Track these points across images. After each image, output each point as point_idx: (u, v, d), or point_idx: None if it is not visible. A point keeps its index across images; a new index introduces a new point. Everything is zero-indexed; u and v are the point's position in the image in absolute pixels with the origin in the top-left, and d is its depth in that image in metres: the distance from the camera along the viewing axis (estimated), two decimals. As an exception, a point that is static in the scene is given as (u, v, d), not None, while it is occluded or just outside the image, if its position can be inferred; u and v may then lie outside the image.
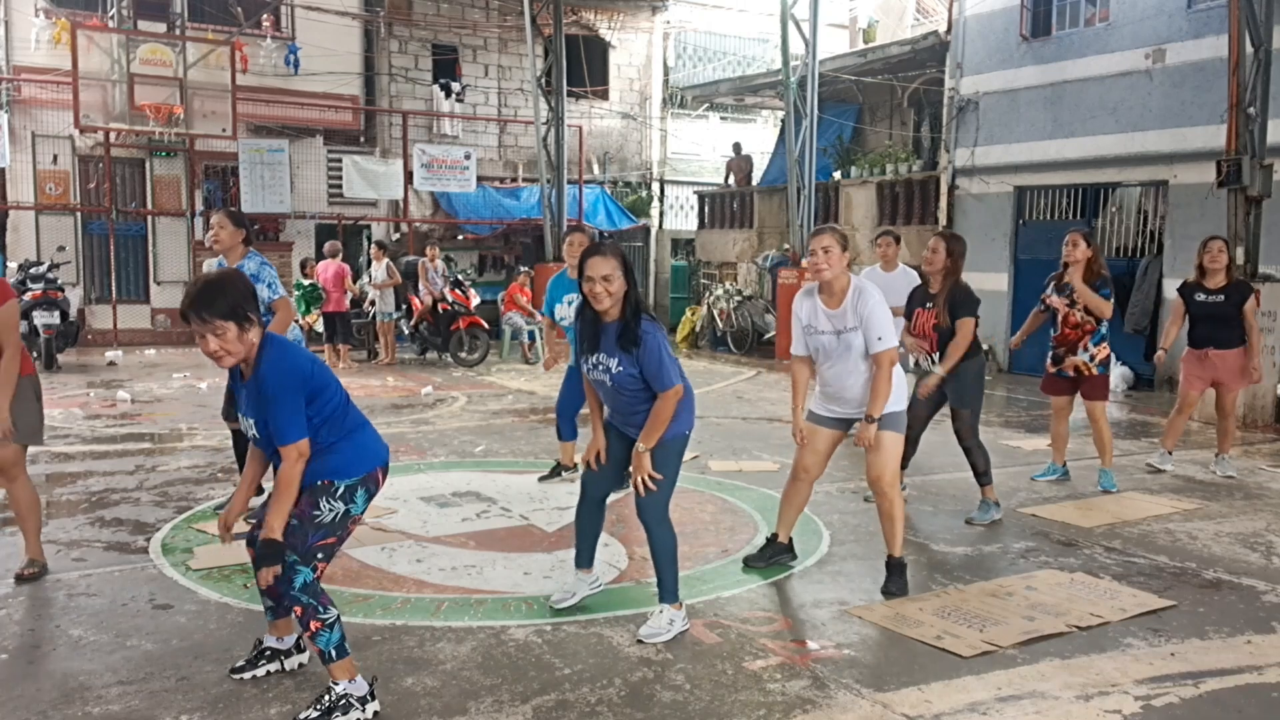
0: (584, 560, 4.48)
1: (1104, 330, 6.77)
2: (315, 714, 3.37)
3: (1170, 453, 7.69)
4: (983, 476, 6.08)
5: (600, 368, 4.09)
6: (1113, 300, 6.66)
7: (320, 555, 3.44)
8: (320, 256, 15.44)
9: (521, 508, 6.31)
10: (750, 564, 5.08)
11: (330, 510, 3.43)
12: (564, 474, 6.91)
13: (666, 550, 4.19)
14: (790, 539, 5.16)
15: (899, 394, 4.77)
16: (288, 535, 3.36)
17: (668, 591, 4.20)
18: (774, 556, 5.10)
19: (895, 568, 4.84)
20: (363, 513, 3.54)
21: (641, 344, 3.97)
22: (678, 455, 4.21)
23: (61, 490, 6.73)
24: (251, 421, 3.43)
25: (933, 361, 6.01)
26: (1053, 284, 6.90)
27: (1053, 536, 5.79)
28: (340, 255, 14.26)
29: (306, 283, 13.98)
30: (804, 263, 4.88)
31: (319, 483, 3.43)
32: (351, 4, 18.14)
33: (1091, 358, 6.79)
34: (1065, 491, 6.89)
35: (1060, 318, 6.81)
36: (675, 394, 4.02)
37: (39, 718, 3.41)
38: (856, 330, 4.66)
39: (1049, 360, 7.00)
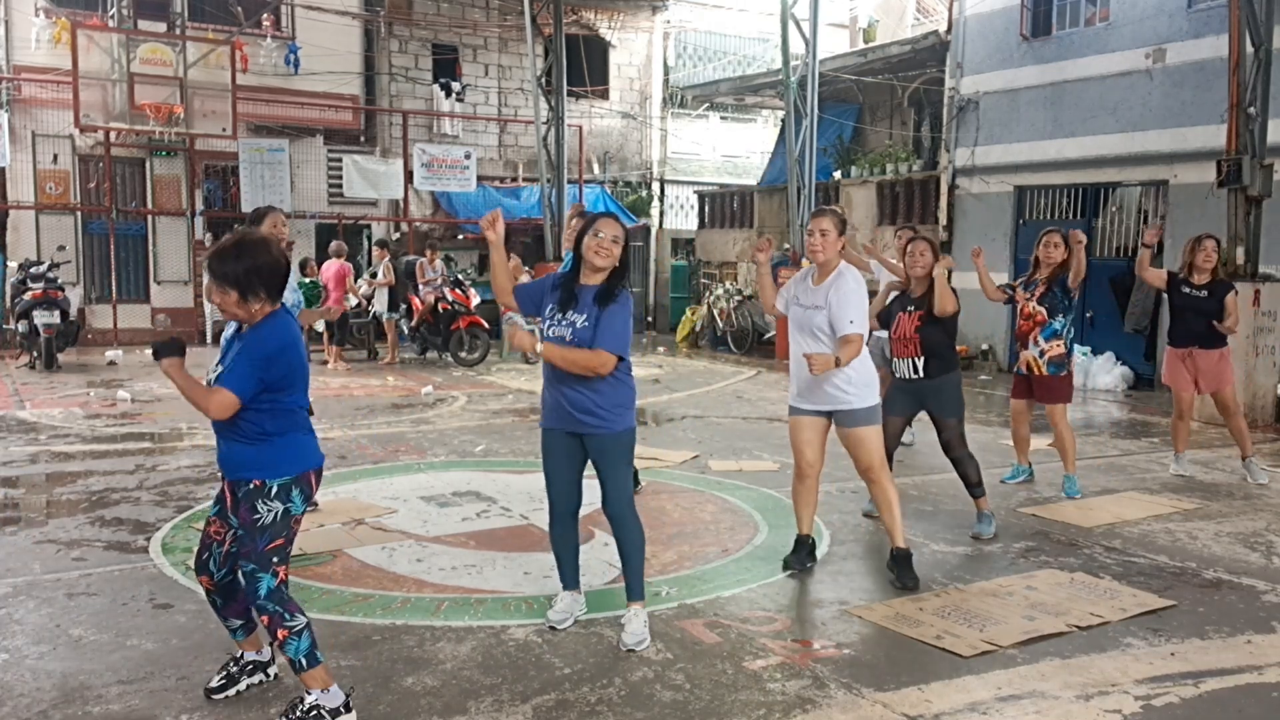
0: (572, 581, 4.38)
1: (1058, 326, 6.54)
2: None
3: (1181, 455, 7.60)
4: (976, 488, 5.77)
5: (564, 323, 4.07)
6: (1071, 309, 6.67)
7: (275, 559, 3.38)
8: (322, 256, 15.46)
9: (521, 507, 6.31)
10: (790, 565, 5.06)
11: (269, 511, 3.37)
12: None
13: (636, 542, 4.19)
14: (813, 540, 5.18)
15: (873, 389, 4.89)
16: (240, 544, 3.39)
17: (637, 588, 4.20)
18: (808, 556, 5.12)
19: (902, 559, 4.93)
20: (302, 512, 3.47)
21: (615, 300, 4.06)
22: (630, 447, 4.26)
23: (61, 490, 6.73)
24: (217, 366, 3.42)
25: (915, 369, 5.66)
26: (1021, 282, 6.81)
27: (1053, 536, 5.79)
28: (344, 255, 14.22)
29: (307, 280, 13.99)
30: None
31: (252, 484, 3.36)
32: (352, 3, 18.12)
33: (1041, 354, 6.58)
34: (1063, 492, 6.88)
35: (1018, 310, 6.74)
36: (604, 361, 4.00)
37: (39, 717, 3.41)
38: (821, 310, 4.78)
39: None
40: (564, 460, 4.22)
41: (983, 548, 5.56)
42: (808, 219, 4.93)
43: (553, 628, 4.23)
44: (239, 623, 3.62)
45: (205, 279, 3.45)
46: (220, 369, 3.40)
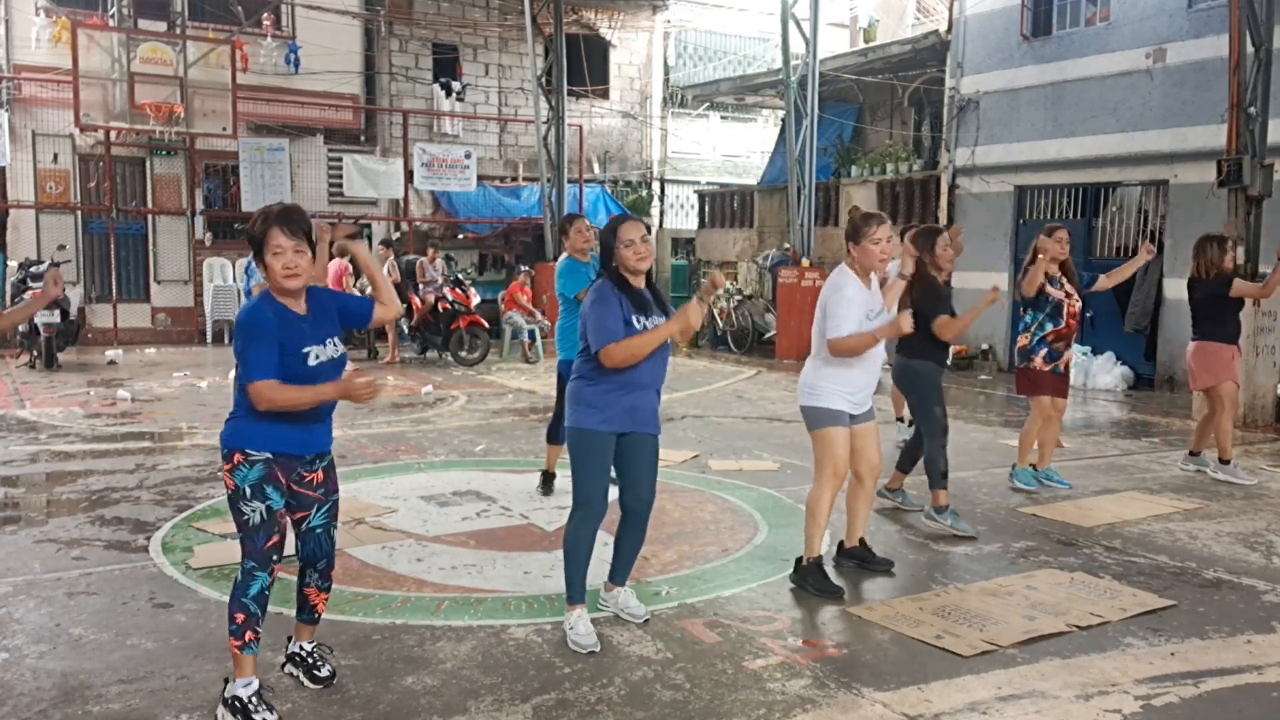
0: (584, 594, 4.21)
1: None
2: (332, 669, 3.67)
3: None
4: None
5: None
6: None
7: None
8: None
9: (521, 506, 6.31)
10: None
11: None
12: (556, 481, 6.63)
13: (643, 540, 4.41)
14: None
15: (873, 390, 4.94)
16: (337, 506, 3.63)
17: (625, 576, 4.46)
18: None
19: (867, 550, 5.15)
20: None
21: (670, 307, 4.32)
22: None
23: (62, 489, 6.73)
24: (333, 339, 3.53)
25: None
26: (1048, 275, 6.62)
27: (1053, 536, 5.79)
28: (346, 254, 14.10)
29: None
30: (860, 246, 4.73)
31: (331, 453, 3.64)
32: (352, 3, 18.12)
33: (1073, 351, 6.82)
34: (1065, 491, 6.88)
35: (1065, 310, 6.63)
36: None
37: (39, 717, 3.41)
38: (886, 310, 4.89)
39: (1042, 358, 6.68)
40: (608, 463, 4.20)
41: (983, 547, 5.56)
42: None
43: (591, 653, 4.00)
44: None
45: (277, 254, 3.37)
46: (336, 341, 3.52)
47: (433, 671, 3.80)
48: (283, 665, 3.73)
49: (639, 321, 4.12)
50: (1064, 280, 6.70)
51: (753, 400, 11.33)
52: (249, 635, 3.43)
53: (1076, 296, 6.72)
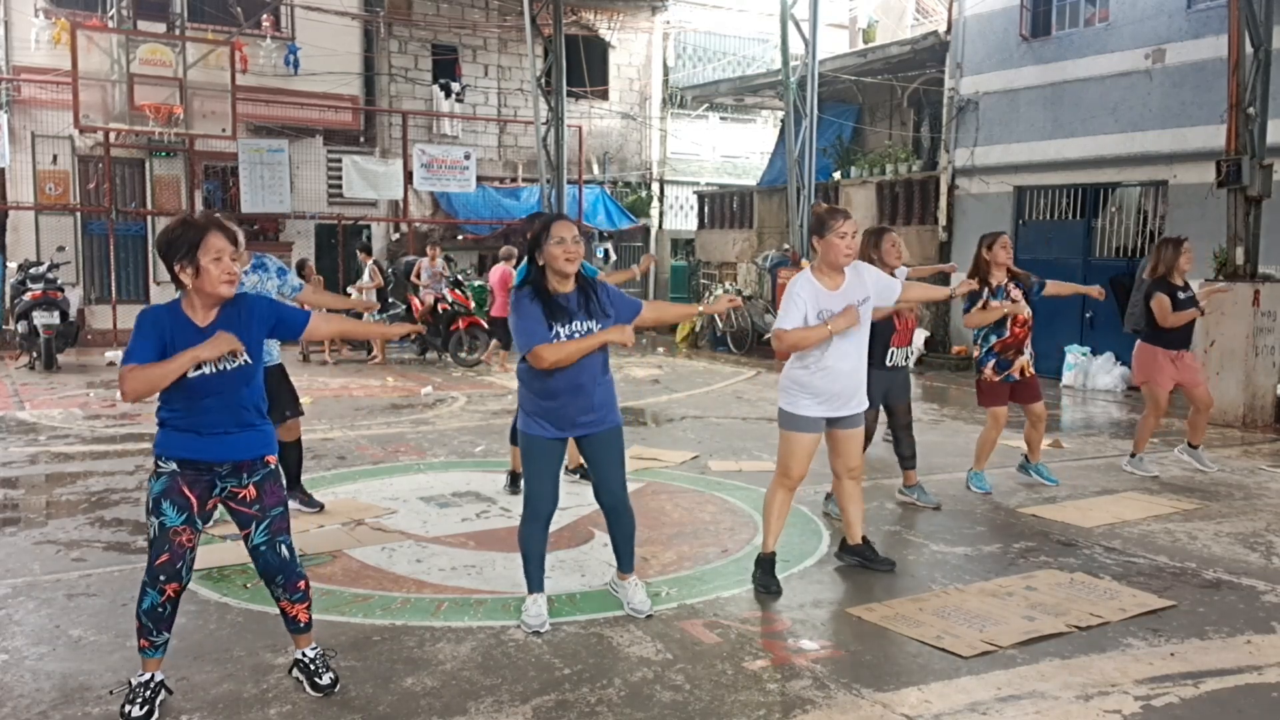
0: (541, 584, 4.34)
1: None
2: (333, 676, 3.63)
3: (1142, 457, 7.52)
4: (910, 460, 6.39)
5: (586, 331, 4.13)
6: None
7: None
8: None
9: (521, 508, 6.29)
10: (772, 588, 4.76)
11: (284, 482, 3.69)
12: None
13: (633, 527, 4.45)
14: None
15: (865, 395, 4.88)
16: (279, 520, 3.52)
17: (630, 562, 4.48)
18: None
19: (868, 548, 5.14)
20: None
21: (612, 294, 4.26)
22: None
23: (61, 490, 6.73)
24: (234, 359, 3.39)
25: (907, 357, 6.14)
26: (992, 288, 6.50)
27: (1053, 536, 5.79)
28: (514, 259, 13.82)
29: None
30: (825, 240, 4.66)
31: (270, 463, 3.55)
32: (351, 4, 18.13)
33: (1030, 357, 6.70)
34: (1065, 492, 6.89)
35: (1008, 320, 6.51)
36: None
37: (39, 718, 3.41)
38: (868, 300, 4.76)
39: (991, 368, 6.61)
40: (556, 466, 4.31)
41: (982, 548, 5.56)
42: (808, 220, 4.88)
43: (536, 633, 4.17)
44: (167, 637, 3.45)
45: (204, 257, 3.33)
46: (242, 357, 3.37)
47: (432, 673, 3.80)
48: (290, 669, 3.71)
49: (554, 329, 4.07)
50: (1009, 288, 6.55)
51: (752, 401, 11.33)
52: (142, 643, 3.42)
53: (1023, 303, 6.57)
